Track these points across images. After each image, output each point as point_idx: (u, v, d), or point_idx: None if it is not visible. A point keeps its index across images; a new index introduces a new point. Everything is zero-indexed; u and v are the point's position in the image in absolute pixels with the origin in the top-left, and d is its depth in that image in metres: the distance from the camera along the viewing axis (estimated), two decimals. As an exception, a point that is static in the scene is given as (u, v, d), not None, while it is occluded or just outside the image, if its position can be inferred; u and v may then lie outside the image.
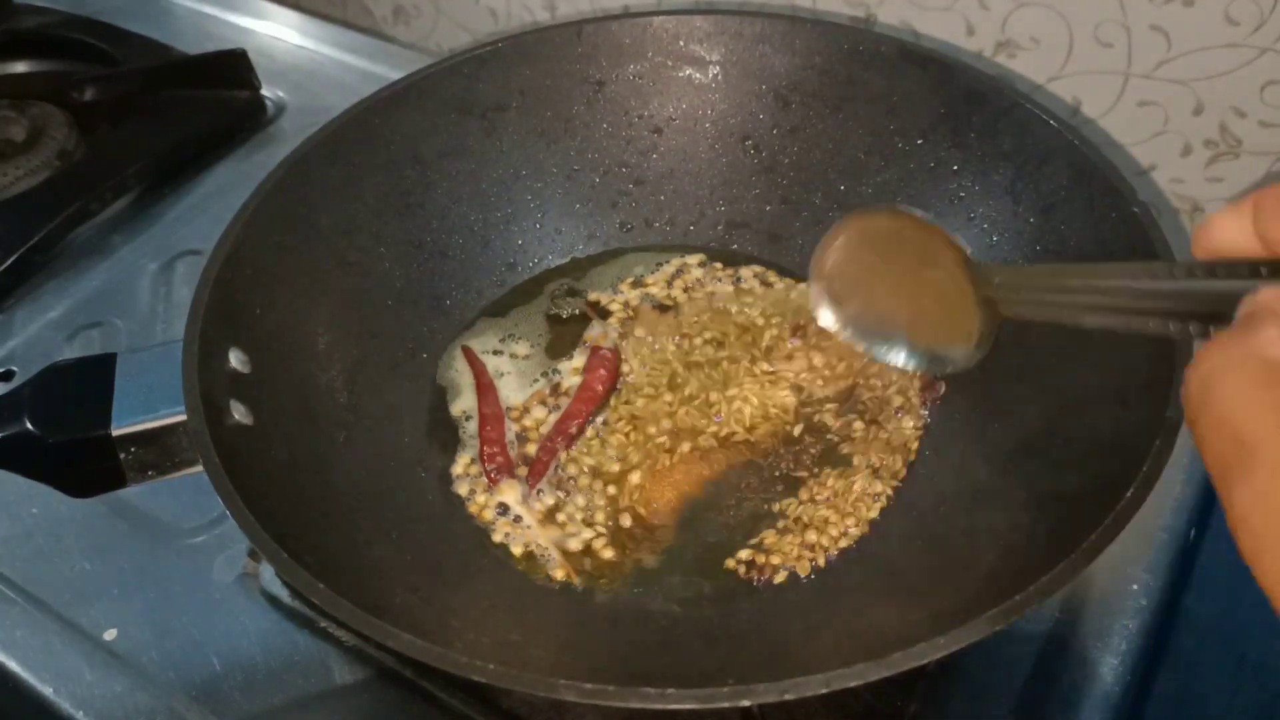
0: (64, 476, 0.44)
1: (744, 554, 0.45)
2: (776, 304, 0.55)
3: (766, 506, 0.47)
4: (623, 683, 0.32)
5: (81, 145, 0.68)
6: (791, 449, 0.49)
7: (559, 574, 0.45)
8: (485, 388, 0.52)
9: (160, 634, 0.46)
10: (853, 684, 0.31)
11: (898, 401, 0.50)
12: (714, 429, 0.50)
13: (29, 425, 0.42)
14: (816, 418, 0.50)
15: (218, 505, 0.37)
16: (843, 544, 0.45)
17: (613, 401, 0.51)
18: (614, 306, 0.56)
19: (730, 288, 0.56)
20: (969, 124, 0.51)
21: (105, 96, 0.70)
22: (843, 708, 0.42)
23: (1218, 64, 0.53)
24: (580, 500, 0.48)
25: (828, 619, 0.42)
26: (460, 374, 0.53)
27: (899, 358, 0.44)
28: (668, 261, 0.58)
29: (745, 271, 0.57)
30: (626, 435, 0.50)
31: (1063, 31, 0.56)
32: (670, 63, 0.57)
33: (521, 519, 0.47)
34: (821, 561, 0.45)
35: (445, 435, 0.51)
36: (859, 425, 0.50)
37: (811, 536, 0.46)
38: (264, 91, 0.74)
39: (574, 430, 0.50)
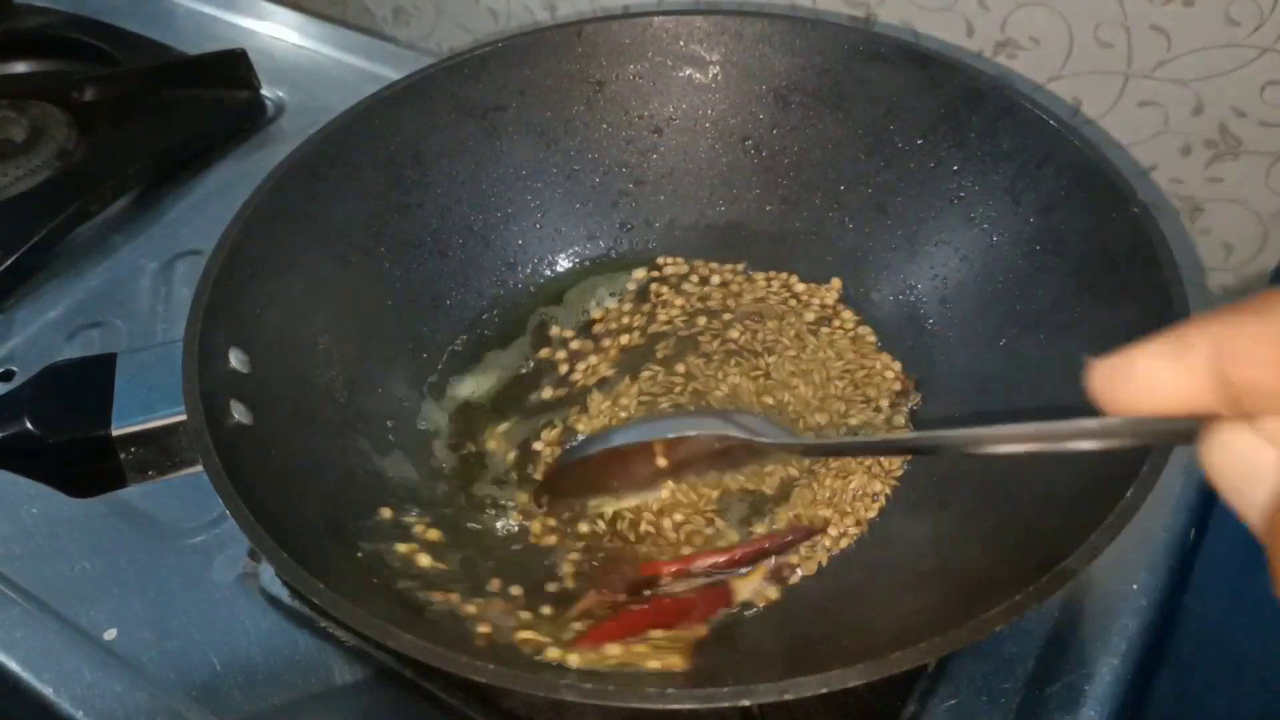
0: (64, 476, 0.44)
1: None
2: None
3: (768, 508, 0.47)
4: (623, 683, 0.32)
5: (81, 145, 0.68)
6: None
7: (566, 570, 0.45)
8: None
9: (160, 634, 0.46)
10: (853, 684, 0.31)
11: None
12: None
13: (29, 425, 0.42)
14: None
15: (218, 505, 0.37)
16: (843, 544, 0.45)
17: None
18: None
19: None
20: (969, 124, 0.51)
21: (105, 96, 0.70)
22: (843, 708, 0.42)
23: (1218, 64, 0.53)
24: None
25: (827, 619, 0.42)
26: (459, 375, 0.53)
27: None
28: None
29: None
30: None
31: (1063, 31, 0.56)
32: (670, 63, 0.57)
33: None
34: (825, 560, 0.45)
35: (445, 435, 0.51)
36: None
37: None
38: (264, 91, 0.74)
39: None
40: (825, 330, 0.54)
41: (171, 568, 0.49)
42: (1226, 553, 0.62)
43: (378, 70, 0.74)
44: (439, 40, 0.81)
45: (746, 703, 0.31)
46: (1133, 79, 0.55)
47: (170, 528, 0.50)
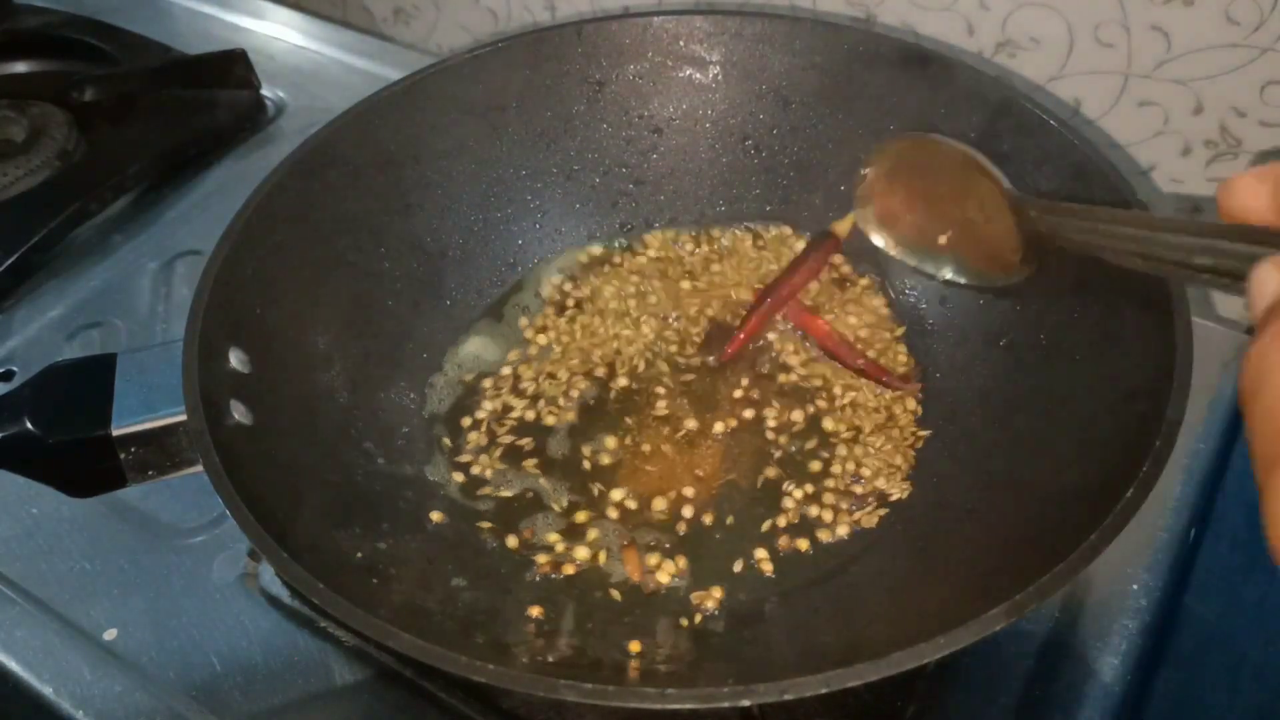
0: (64, 476, 0.44)
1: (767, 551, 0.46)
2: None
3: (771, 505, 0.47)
4: (622, 682, 0.32)
5: (81, 145, 0.68)
6: (786, 447, 0.49)
7: (568, 570, 0.45)
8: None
9: (160, 634, 0.46)
10: (853, 684, 0.31)
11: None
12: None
13: (29, 425, 0.42)
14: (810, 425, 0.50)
15: (218, 505, 0.37)
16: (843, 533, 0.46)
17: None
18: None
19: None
20: (969, 124, 0.51)
21: (105, 96, 0.70)
22: (843, 708, 0.42)
23: (1218, 64, 0.53)
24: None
25: (828, 619, 0.42)
26: (458, 373, 0.53)
27: (948, 273, 0.48)
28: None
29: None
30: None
31: (1063, 31, 0.56)
32: (670, 63, 0.57)
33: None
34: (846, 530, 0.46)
35: (446, 435, 0.51)
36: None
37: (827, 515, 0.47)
38: (264, 91, 0.74)
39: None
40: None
41: (171, 568, 0.49)
42: (1226, 553, 0.62)
43: (378, 70, 0.74)
44: (439, 40, 0.81)
45: (746, 703, 0.31)
46: (1133, 79, 0.55)
47: (170, 528, 0.50)
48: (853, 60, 0.54)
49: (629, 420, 0.51)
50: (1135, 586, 0.45)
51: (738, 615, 0.44)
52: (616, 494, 0.48)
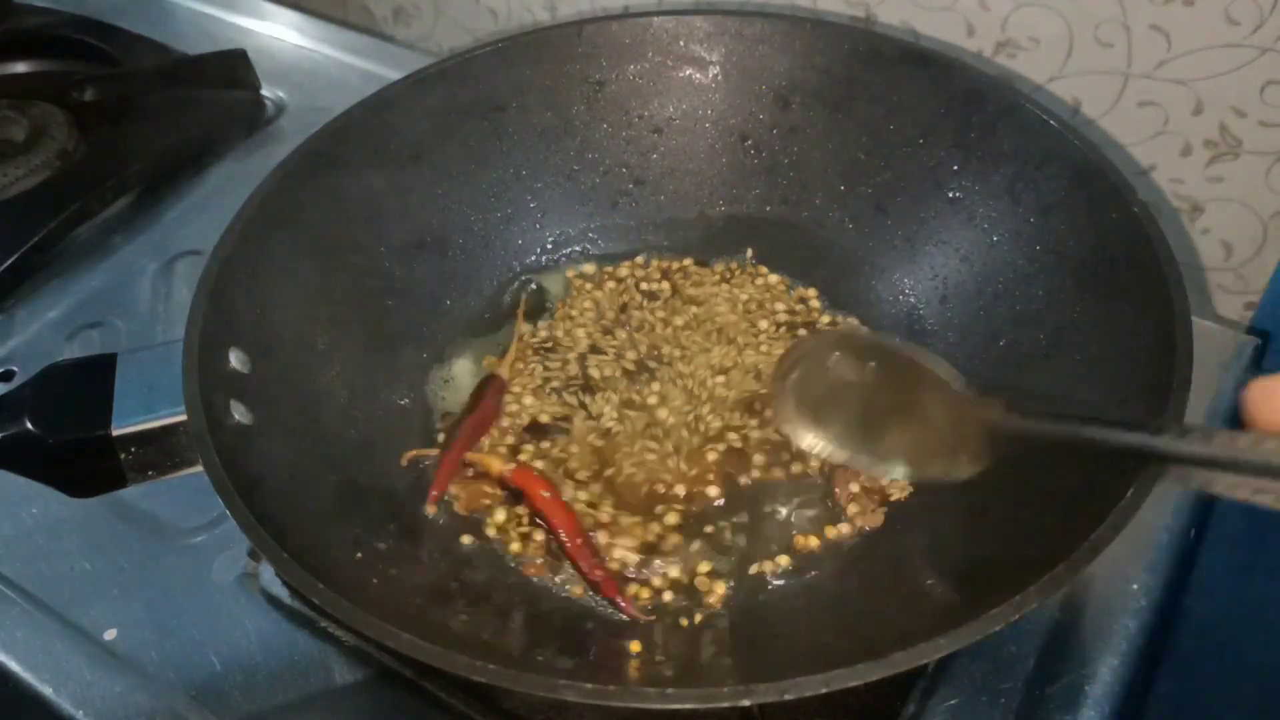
0: (64, 476, 0.44)
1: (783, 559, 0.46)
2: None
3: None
4: (622, 682, 0.32)
5: (81, 145, 0.68)
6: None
7: (530, 571, 0.45)
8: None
9: (160, 634, 0.46)
10: (853, 684, 0.31)
11: None
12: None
13: (29, 425, 0.42)
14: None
15: (218, 505, 0.37)
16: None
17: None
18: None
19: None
20: (969, 124, 0.51)
21: (105, 96, 0.70)
22: (843, 708, 0.42)
23: (1218, 64, 0.53)
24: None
25: (828, 619, 0.42)
26: (458, 374, 0.53)
27: (887, 470, 0.43)
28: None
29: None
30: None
31: (1063, 31, 0.56)
32: (670, 63, 0.57)
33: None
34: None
35: (445, 435, 0.51)
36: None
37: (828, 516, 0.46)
38: (264, 91, 0.74)
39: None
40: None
41: (171, 568, 0.49)
42: (1226, 553, 0.62)
43: (378, 70, 0.74)
44: (439, 40, 0.81)
45: (746, 703, 0.31)
46: (1133, 79, 0.55)
47: (170, 528, 0.50)
48: (853, 60, 0.54)
49: (628, 420, 0.51)
50: (1135, 586, 0.45)
51: (738, 615, 0.44)
52: (610, 502, 0.48)
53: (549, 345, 0.54)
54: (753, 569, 0.45)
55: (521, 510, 0.47)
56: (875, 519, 0.46)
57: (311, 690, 0.44)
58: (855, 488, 0.47)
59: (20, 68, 0.77)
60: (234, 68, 0.72)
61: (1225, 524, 0.61)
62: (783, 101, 0.56)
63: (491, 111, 0.56)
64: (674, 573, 0.45)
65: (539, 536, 0.46)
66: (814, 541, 0.46)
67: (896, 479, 0.46)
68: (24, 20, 0.79)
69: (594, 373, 0.53)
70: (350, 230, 0.52)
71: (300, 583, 0.34)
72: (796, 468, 0.48)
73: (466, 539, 0.47)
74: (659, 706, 0.31)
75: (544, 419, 0.51)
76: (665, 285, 0.57)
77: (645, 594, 0.44)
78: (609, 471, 0.49)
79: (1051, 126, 0.47)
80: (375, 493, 0.46)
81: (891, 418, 0.42)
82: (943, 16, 0.59)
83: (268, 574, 0.48)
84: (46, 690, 0.45)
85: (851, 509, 0.47)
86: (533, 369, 0.53)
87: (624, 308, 0.56)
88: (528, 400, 0.52)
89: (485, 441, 0.50)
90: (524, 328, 0.55)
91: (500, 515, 0.47)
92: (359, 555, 0.41)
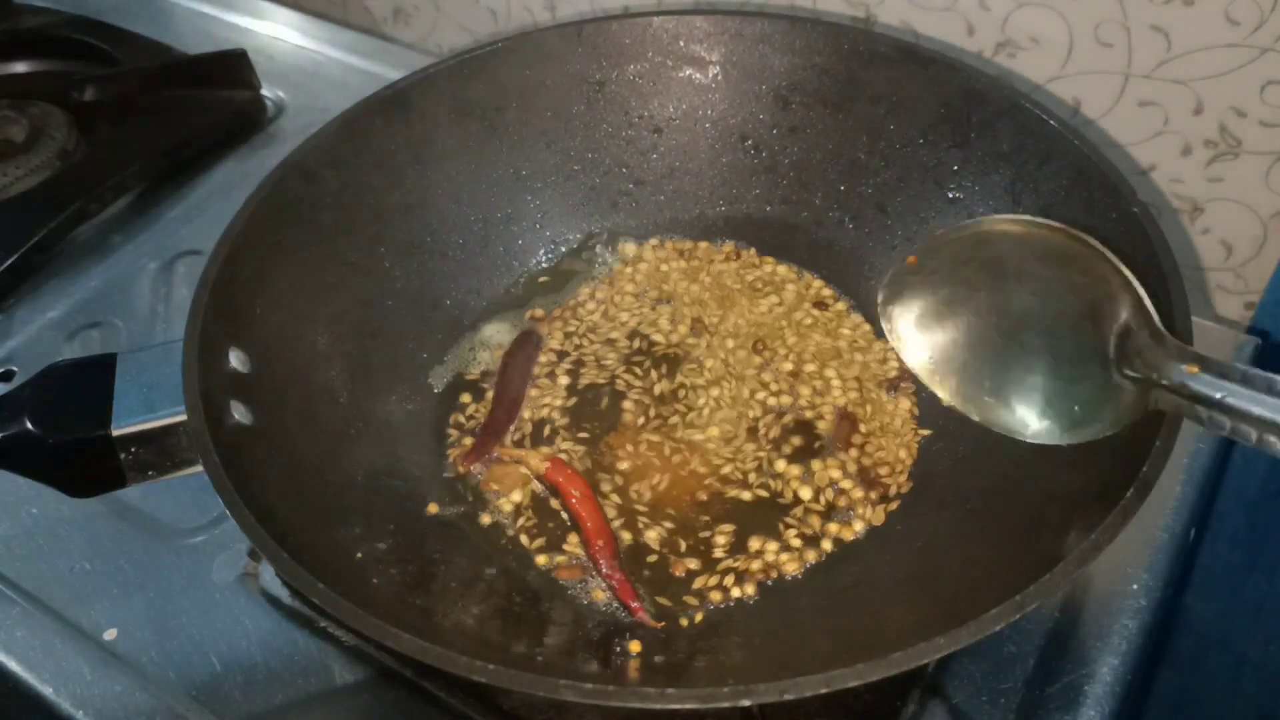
0: (64, 476, 0.44)
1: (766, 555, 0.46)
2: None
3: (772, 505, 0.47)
4: (622, 682, 0.32)
5: (81, 145, 0.68)
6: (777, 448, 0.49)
7: (563, 575, 0.45)
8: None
9: (160, 634, 0.46)
10: (853, 684, 0.31)
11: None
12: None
13: (29, 425, 0.42)
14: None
15: (218, 505, 0.37)
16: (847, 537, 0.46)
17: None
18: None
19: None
20: (969, 124, 0.51)
21: (105, 96, 0.70)
22: (843, 707, 0.42)
23: (1218, 64, 0.53)
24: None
25: (828, 618, 0.42)
26: (458, 375, 0.53)
27: (1011, 424, 0.36)
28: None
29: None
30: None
31: (1063, 31, 0.56)
32: (670, 63, 0.57)
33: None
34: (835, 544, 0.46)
35: (445, 435, 0.51)
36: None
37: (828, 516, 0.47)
38: (264, 91, 0.74)
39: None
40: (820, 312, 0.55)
41: (171, 568, 0.49)
42: (1226, 553, 0.62)
43: (378, 70, 0.74)
44: (439, 40, 0.81)
45: (746, 703, 0.31)
46: (1133, 79, 0.55)
47: (170, 528, 0.50)
48: (853, 60, 0.54)
49: (626, 420, 0.51)
50: (1135, 586, 0.45)
51: (738, 615, 0.44)
52: (614, 496, 0.48)
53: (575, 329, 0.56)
54: (752, 569, 0.45)
55: (524, 498, 0.48)
56: (875, 517, 0.46)
57: (311, 690, 0.44)
58: (852, 486, 0.47)
59: (20, 68, 0.77)
60: (234, 68, 0.72)
61: (1225, 524, 0.61)
62: (783, 101, 0.56)
63: (491, 111, 0.56)
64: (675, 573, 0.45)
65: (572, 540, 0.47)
66: (814, 541, 0.46)
67: (1007, 428, 0.39)
68: (24, 20, 0.79)
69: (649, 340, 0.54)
70: (350, 230, 0.52)
71: (300, 583, 0.34)
72: (795, 464, 0.48)
73: (467, 538, 0.47)
74: (659, 706, 0.31)
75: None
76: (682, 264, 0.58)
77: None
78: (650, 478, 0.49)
79: (1051, 126, 0.47)
80: (375, 492, 0.46)
81: (1035, 350, 0.34)
82: (943, 16, 0.59)
83: (268, 574, 0.48)
84: (46, 690, 0.45)
85: (846, 504, 0.47)
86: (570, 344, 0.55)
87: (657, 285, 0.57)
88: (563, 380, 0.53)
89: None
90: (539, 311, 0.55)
91: (516, 496, 0.48)
92: (359, 555, 0.41)
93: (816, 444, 0.49)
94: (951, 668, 0.43)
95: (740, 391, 0.51)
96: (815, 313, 0.55)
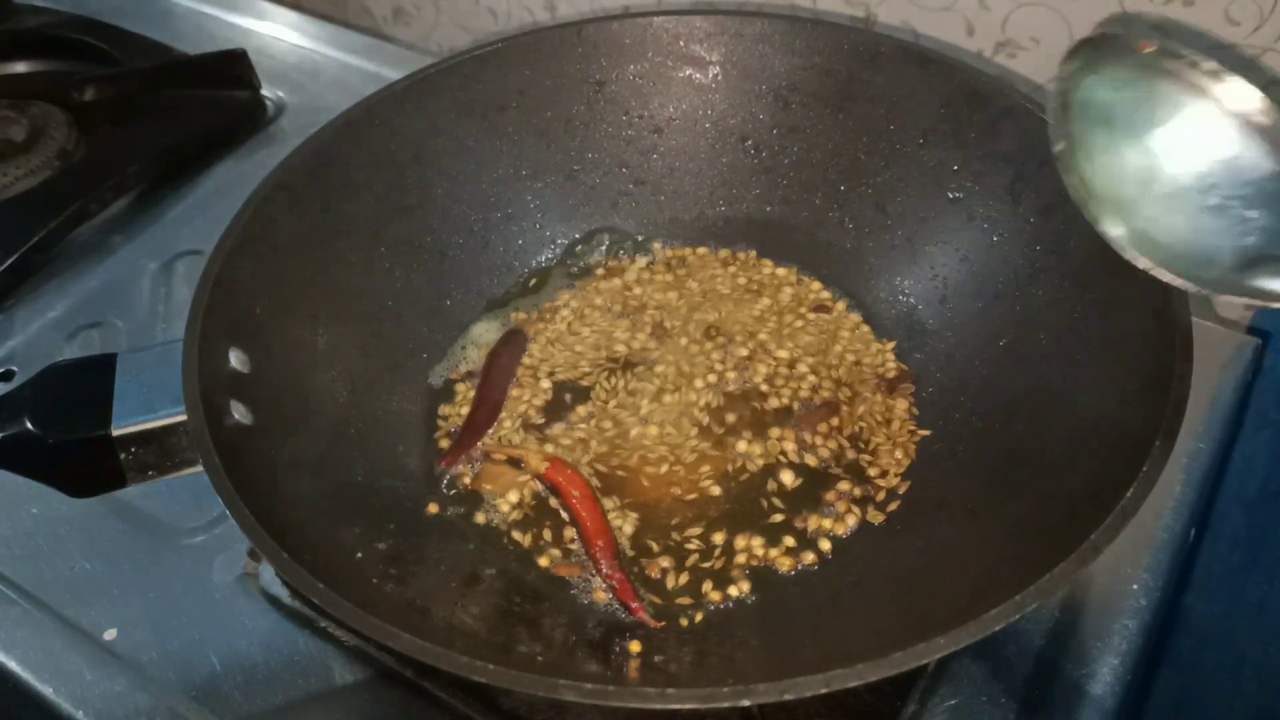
0: (64, 476, 0.44)
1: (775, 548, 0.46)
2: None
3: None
4: (622, 682, 0.32)
5: (81, 145, 0.68)
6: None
7: (562, 571, 0.45)
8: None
9: (160, 634, 0.46)
10: (853, 684, 0.31)
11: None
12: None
13: (29, 425, 0.42)
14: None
15: (218, 505, 0.37)
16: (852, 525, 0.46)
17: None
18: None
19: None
20: (969, 124, 0.51)
21: (105, 96, 0.70)
22: (843, 707, 0.42)
23: (1218, 64, 0.53)
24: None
25: (828, 618, 0.42)
26: (458, 374, 0.53)
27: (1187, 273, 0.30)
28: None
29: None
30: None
31: (1063, 31, 0.56)
32: (670, 63, 0.57)
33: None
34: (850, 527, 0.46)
35: (445, 435, 0.51)
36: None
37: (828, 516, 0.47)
38: (264, 91, 0.74)
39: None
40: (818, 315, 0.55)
41: (171, 568, 0.49)
42: (1226, 553, 0.62)
43: (378, 70, 0.74)
44: (439, 40, 0.81)
45: (746, 703, 0.31)
46: (1133, 79, 0.55)
47: (170, 528, 0.50)
48: (853, 60, 0.54)
49: (626, 419, 0.51)
50: (1135, 586, 0.45)
51: (738, 615, 0.44)
52: (613, 498, 0.48)
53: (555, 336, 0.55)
54: (752, 569, 0.45)
55: (522, 497, 0.48)
56: (874, 517, 0.46)
57: (311, 690, 0.44)
58: (849, 486, 0.47)
59: (20, 68, 0.77)
60: (234, 68, 0.72)
61: (1225, 524, 0.61)
62: (783, 101, 0.56)
63: (491, 111, 0.56)
64: (677, 572, 0.45)
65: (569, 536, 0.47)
66: (811, 541, 0.46)
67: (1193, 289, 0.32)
68: (24, 20, 0.79)
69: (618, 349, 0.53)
70: (350, 230, 0.52)
71: (300, 583, 0.34)
72: (792, 469, 0.48)
73: (467, 538, 0.47)
74: (659, 706, 0.31)
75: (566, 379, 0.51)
76: (669, 278, 0.57)
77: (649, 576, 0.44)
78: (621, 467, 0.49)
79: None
80: (375, 492, 0.46)
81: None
82: (943, 16, 0.59)
83: (268, 574, 0.48)
84: (46, 690, 0.45)
85: (843, 507, 0.47)
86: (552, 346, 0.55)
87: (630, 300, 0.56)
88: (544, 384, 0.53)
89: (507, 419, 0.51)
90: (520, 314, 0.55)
91: (514, 496, 0.48)
92: (359, 555, 0.41)
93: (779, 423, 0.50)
94: (951, 668, 0.43)
95: (687, 393, 0.52)
96: (812, 316, 0.55)
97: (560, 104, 0.57)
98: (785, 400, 0.51)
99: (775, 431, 0.49)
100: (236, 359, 0.43)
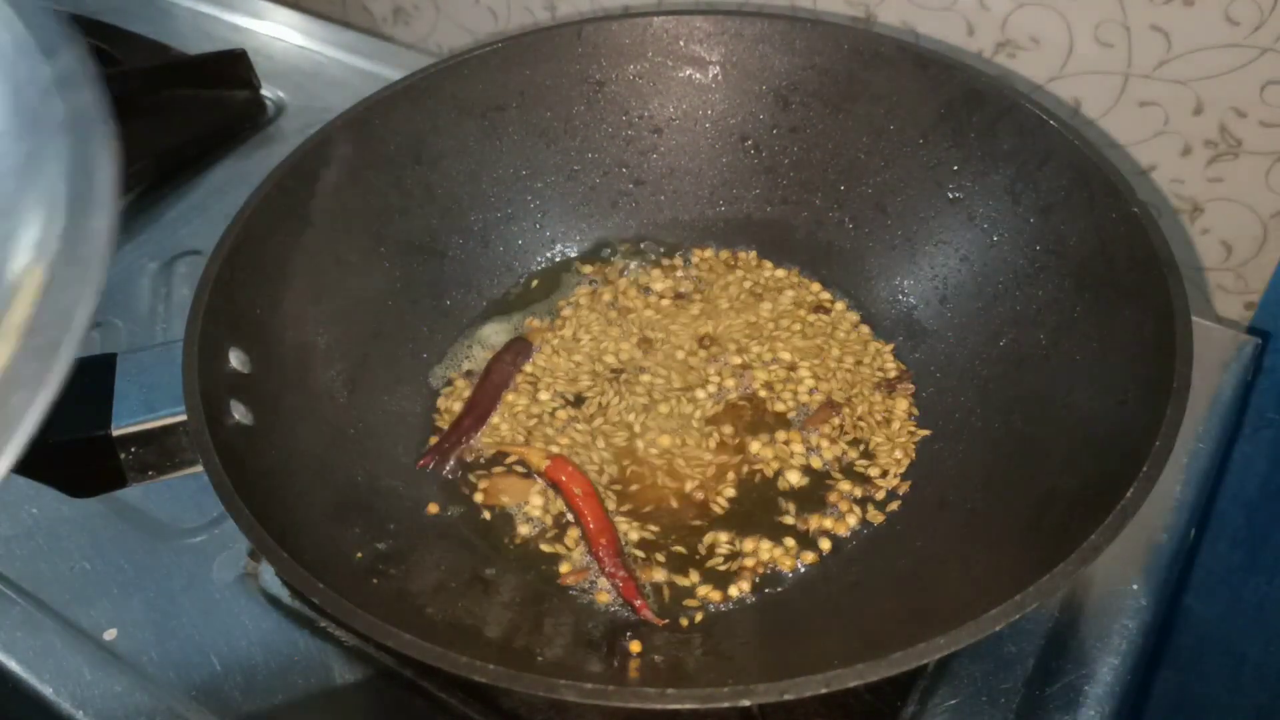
0: (64, 476, 0.44)
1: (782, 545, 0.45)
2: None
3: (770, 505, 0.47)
4: (622, 682, 0.32)
5: (81, 145, 0.68)
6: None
7: (562, 569, 0.45)
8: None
9: (160, 634, 0.46)
10: (853, 684, 0.31)
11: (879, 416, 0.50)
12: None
13: (29, 425, 0.42)
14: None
15: (218, 505, 0.37)
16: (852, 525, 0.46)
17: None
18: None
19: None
20: (969, 124, 0.51)
21: (105, 96, 0.70)
22: (843, 707, 0.42)
23: (1218, 64, 0.53)
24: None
25: (828, 618, 0.42)
26: (458, 375, 0.53)
27: None
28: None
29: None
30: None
31: (1063, 31, 0.56)
32: (670, 63, 0.57)
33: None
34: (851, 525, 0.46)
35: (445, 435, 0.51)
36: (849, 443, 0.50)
37: (828, 516, 0.47)
38: (264, 91, 0.74)
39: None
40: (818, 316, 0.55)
41: (171, 568, 0.49)
42: (1226, 553, 0.62)
43: (378, 70, 0.74)
44: (439, 40, 0.81)
45: (746, 703, 0.31)
46: (1133, 79, 0.55)
47: (170, 528, 0.50)
48: (853, 60, 0.54)
49: (629, 418, 0.51)
50: (1135, 586, 0.45)
51: (738, 615, 0.44)
52: (613, 497, 0.48)
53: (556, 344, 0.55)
54: (751, 569, 0.45)
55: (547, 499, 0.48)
56: (874, 517, 0.46)
57: (311, 690, 0.44)
58: (850, 486, 0.47)
59: (20, 68, 0.77)
60: (234, 68, 0.72)
61: (1225, 524, 0.61)
62: (783, 101, 0.56)
63: (491, 111, 0.56)
64: (677, 573, 0.45)
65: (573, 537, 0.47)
66: (812, 541, 0.46)
67: None
68: (24, 20, 0.79)
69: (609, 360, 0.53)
70: (350, 230, 0.52)
71: (300, 583, 0.34)
72: (791, 468, 0.49)
73: (467, 538, 0.47)
74: (659, 706, 0.31)
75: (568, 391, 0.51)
76: (667, 284, 0.57)
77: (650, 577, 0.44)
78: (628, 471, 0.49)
79: (1051, 126, 0.47)
80: (375, 492, 0.46)
81: None
82: (943, 16, 0.59)
83: (268, 574, 0.48)
84: (46, 690, 0.45)
85: (844, 507, 0.47)
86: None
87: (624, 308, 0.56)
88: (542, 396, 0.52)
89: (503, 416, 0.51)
90: (535, 323, 0.55)
91: (538, 500, 0.48)
92: (359, 555, 0.41)
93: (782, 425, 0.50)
94: (951, 668, 0.43)
95: (685, 404, 0.51)
96: (810, 317, 0.55)
97: (560, 104, 0.57)
98: (787, 404, 0.51)
99: (782, 434, 0.49)
100: (236, 359, 0.43)
